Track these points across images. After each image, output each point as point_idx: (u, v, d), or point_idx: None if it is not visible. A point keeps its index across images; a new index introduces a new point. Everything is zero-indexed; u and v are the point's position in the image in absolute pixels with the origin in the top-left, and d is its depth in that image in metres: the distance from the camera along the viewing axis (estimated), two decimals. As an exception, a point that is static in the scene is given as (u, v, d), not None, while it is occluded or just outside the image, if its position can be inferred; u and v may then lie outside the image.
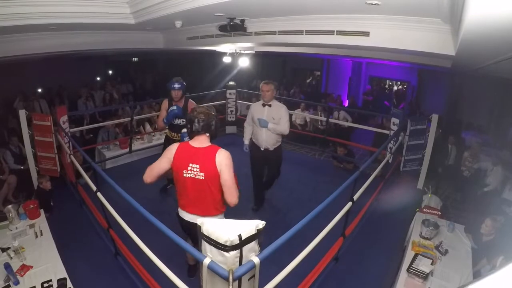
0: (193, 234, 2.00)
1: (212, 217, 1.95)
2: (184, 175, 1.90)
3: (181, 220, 2.10)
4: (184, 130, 2.86)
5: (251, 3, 2.56)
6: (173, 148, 1.95)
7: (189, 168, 1.89)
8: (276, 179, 3.71)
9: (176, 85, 3.26)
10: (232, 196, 1.86)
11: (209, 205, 1.97)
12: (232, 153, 1.94)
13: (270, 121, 3.18)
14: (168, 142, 3.52)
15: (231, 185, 1.86)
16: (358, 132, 6.25)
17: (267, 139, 3.27)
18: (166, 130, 3.65)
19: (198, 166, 1.87)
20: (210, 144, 1.95)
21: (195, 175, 1.88)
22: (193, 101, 3.47)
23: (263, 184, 3.64)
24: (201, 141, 1.93)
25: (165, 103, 3.44)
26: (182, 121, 3.34)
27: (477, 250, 2.67)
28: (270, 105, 3.24)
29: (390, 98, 9.85)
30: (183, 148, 1.93)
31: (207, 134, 1.94)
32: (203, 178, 1.88)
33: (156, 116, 5.97)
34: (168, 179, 3.92)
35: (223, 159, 1.87)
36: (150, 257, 1.78)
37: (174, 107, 3.22)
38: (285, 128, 3.20)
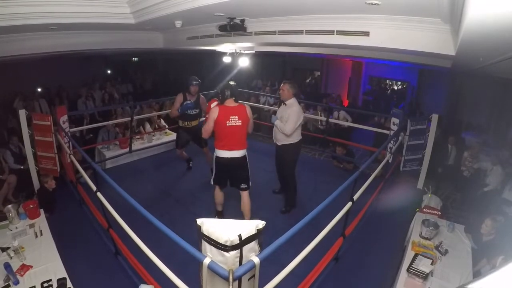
0: (232, 166, 2.97)
1: (245, 150, 2.97)
2: (227, 124, 2.80)
3: (222, 159, 2.95)
4: (203, 119, 3.73)
5: (251, 3, 2.56)
6: (215, 111, 2.80)
7: (230, 119, 2.80)
8: (291, 189, 3.67)
9: (195, 82, 4.00)
10: (252, 128, 3.06)
11: (243, 142, 2.94)
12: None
13: (280, 119, 3.41)
14: (180, 129, 4.28)
15: (252, 123, 3.03)
16: (359, 132, 6.25)
17: (275, 134, 3.53)
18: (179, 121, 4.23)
19: (236, 117, 2.82)
20: (237, 103, 2.89)
21: (235, 123, 2.82)
22: (203, 96, 4.21)
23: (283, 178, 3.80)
24: (232, 102, 2.86)
25: (180, 96, 4.01)
26: (194, 111, 4.06)
27: (477, 250, 2.67)
28: (285, 104, 3.40)
29: (391, 98, 9.86)
30: (222, 109, 2.82)
31: (233, 98, 2.87)
32: (241, 124, 2.84)
33: (157, 116, 6.06)
34: (188, 161, 4.66)
35: (249, 110, 2.95)
36: (150, 257, 1.78)
37: (189, 102, 3.96)
38: (285, 128, 3.29)
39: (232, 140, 2.86)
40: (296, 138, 3.43)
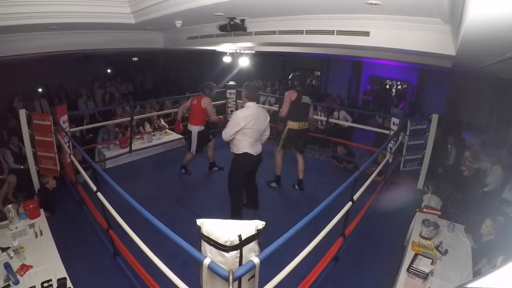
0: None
1: (192, 126, 4.21)
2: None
3: None
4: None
5: (251, 3, 2.56)
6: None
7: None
8: (231, 202, 3.28)
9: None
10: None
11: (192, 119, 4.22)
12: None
13: None
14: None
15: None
16: (359, 132, 6.25)
17: None
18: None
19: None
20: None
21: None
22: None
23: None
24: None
25: (293, 93, 3.81)
26: None
27: (477, 250, 2.67)
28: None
29: (392, 98, 9.86)
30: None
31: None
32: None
33: (157, 116, 6.06)
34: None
35: (204, 102, 4.13)
36: (150, 257, 1.78)
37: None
38: (222, 132, 3.03)
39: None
40: (241, 149, 3.00)
